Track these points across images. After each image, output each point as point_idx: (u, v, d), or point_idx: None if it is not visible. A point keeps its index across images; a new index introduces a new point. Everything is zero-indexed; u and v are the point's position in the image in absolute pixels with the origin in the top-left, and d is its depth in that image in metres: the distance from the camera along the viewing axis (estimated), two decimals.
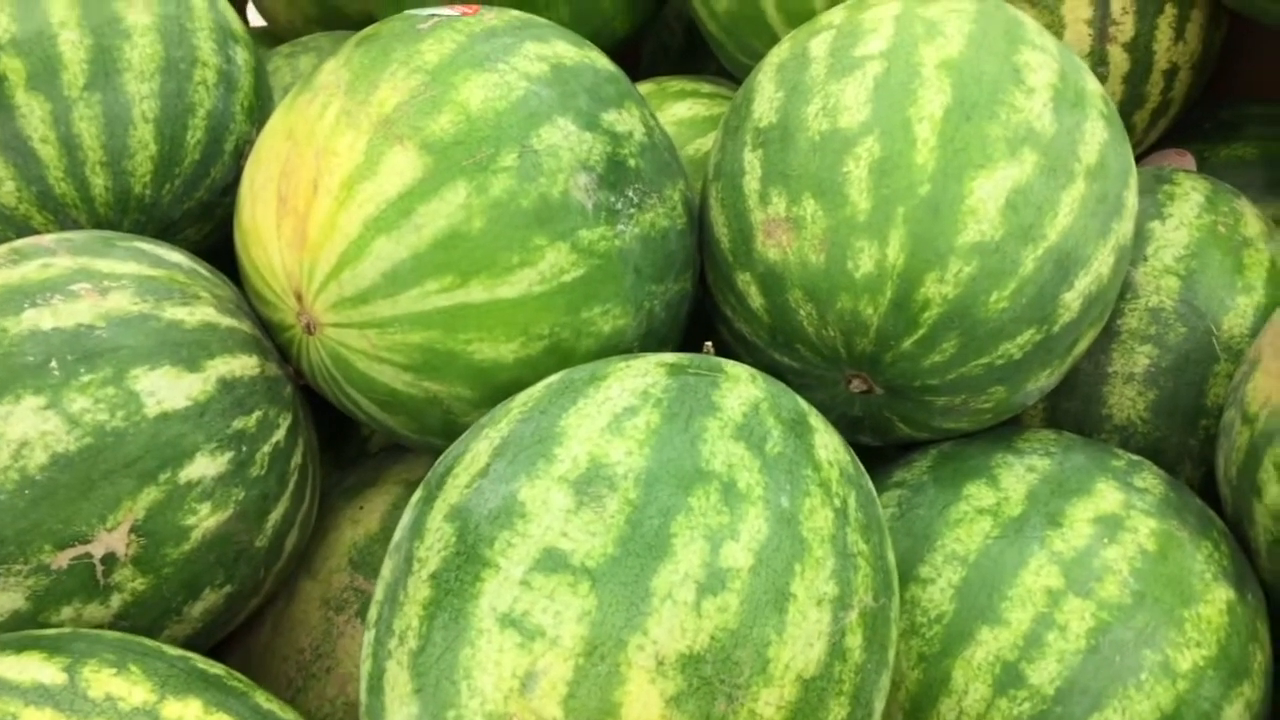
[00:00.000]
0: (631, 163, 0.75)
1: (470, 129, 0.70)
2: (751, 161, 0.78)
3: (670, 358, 0.67)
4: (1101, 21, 1.06)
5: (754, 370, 0.68)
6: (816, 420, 0.66)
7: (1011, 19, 0.80)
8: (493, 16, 0.77)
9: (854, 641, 0.59)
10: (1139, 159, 1.18)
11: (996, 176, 0.72)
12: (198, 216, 0.86)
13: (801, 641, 0.56)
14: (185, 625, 0.70)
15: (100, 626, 0.67)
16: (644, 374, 0.64)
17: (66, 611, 0.66)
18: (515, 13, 0.79)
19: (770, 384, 0.67)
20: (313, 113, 0.73)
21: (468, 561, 0.57)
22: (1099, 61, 1.07)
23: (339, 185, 0.69)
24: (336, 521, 0.83)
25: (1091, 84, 0.80)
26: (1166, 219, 0.93)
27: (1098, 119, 0.78)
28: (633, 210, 0.74)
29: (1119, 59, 1.07)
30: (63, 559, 0.64)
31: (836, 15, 0.82)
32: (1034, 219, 0.72)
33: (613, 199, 0.73)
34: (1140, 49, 1.07)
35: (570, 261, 0.71)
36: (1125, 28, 1.06)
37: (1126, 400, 0.88)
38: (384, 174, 0.69)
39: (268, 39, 1.41)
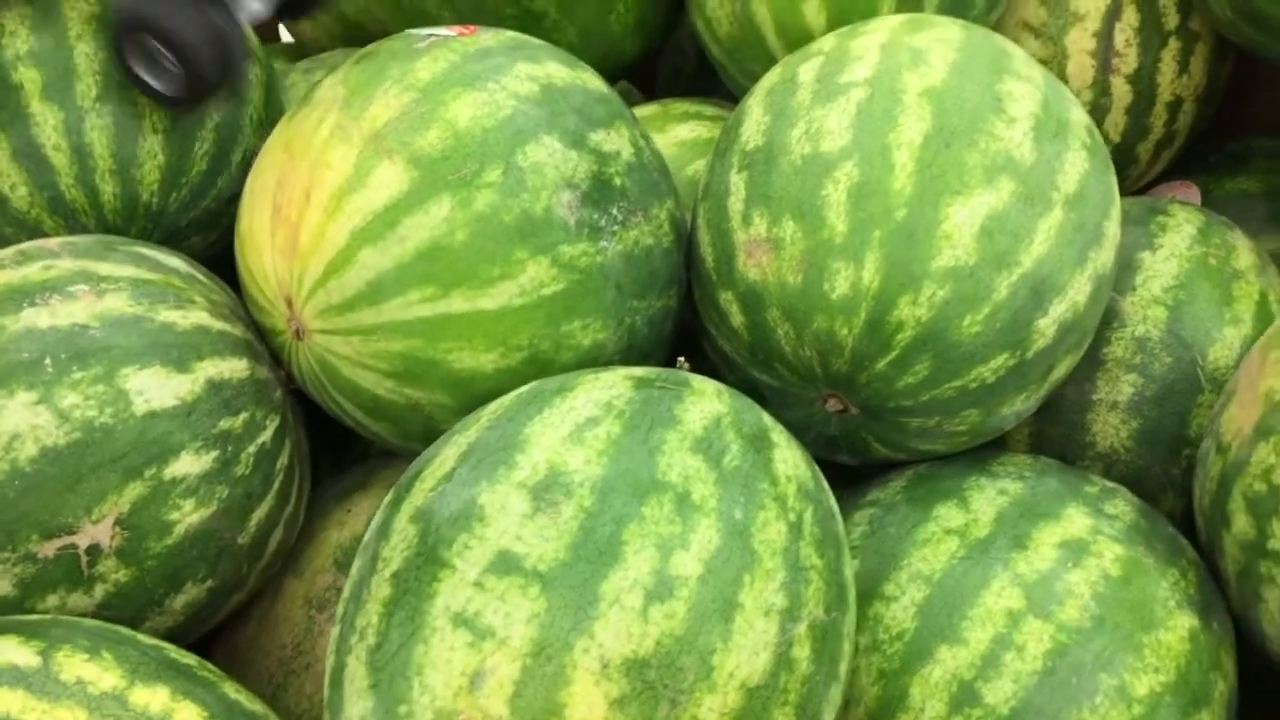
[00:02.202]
0: (617, 181, 0.77)
1: (457, 145, 0.72)
2: (737, 183, 0.79)
3: (640, 371, 0.68)
4: (1104, 53, 1.07)
5: (721, 386, 0.69)
6: (779, 436, 0.67)
7: (998, 49, 0.81)
8: (489, 37, 0.80)
9: (801, 653, 0.60)
10: (1144, 190, 1.18)
11: (973, 203, 0.73)
12: (204, 225, 0.89)
13: (747, 650, 0.58)
14: (167, 617, 0.73)
15: (84, 615, 0.69)
16: (610, 386, 0.66)
17: (52, 599, 0.68)
18: (511, 34, 0.82)
19: (736, 399, 0.68)
20: (309, 126, 0.76)
21: (427, 562, 0.59)
22: (1102, 93, 1.08)
23: (329, 196, 0.72)
24: (324, 523, 0.86)
25: (1076, 115, 0.81)
26: (1157, 249, 0.93)
27: (1080, 149, 0.79)
28: (616, 228, 0.76)
29: (1122, 91, 1.08)
30: (49, 548, 0.67)
31: (828, 42, 0.84)
32: (1009, 246, 0.73)
33: (596, 216, 0.75)
34: (1143, 81, 1.08)
35: (551, 275, 0.73)
36: (1128, 60, 1.07)
37: (1110, 428, 0.88)
38: (372, 187, 0.71)
39: (295, 55, 1.45)
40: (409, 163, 0.72)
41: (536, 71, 0.78)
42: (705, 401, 0.66)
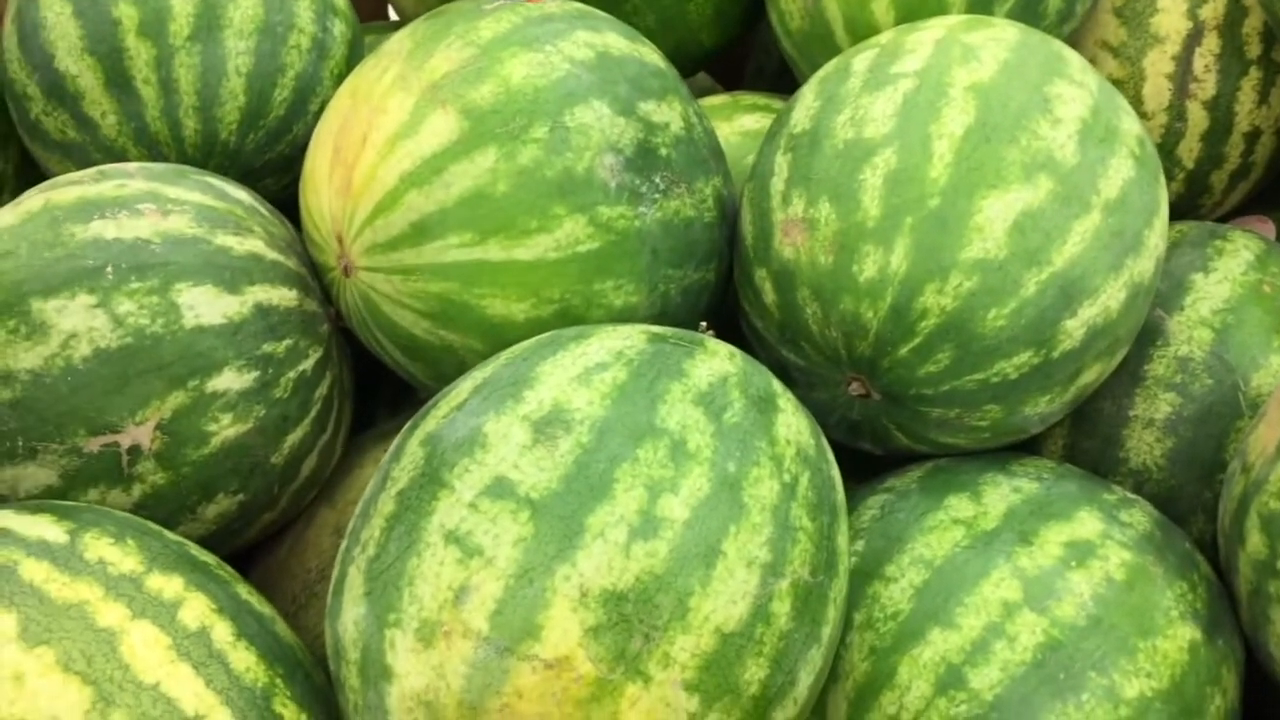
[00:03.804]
0: (663, 152, 0.79)
1: (508, 100, 0.75)
2: (781, 164, 0.81)
3: (657, 328, 0.71)
4: (1182, 77, 1.06)
5: (736, 350, 0.71)
6: (786, 403, 0.69)
7: (1053, 53, 0.82)
8: (554, 5, 0.83)
9: (781, 608, 0.61)
10: (1219, 221, 1.17)
11: (1008, 198, 0.74)
12: (278, 168, 0.94)
13: (725, 597, 0.59)
14: (199, 525, 0.77)
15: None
16: (626, 337, 0.68)
17: (92, 494, 0.73)
18: (578, 4, 0.85)
19: (748, 364, 0.70)
20: (374, 75, 0.80)
21: (429, 482, 0.62)
22: (1177, 117, 1.07)
23: (384, 140, 0.76)
24: (362, 461, 0.89)
25: (1128, 124, 0.81)
26: (1210, 272, 0.93)
27: (1126, 157, 0.79)
28: (657, 196, 0.79)
29: (1197, 116, 1.07)
30: (94, 444, 0.72)
31: (886, 36, 0.86)
32: (1041, 243, 0.74)
33: (638, 182, 0.77)
34: (1220, 109, 1.07)
35: (587, 234, 0.76)
36: (1206, 86, 1.06)
37: (1144, 445, 0.88)
38: (424, 133, 0.75)
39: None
40: (461, 113, 0.75)
41: (594, 39, 0.80)
42: (715, 361, 0.68)
